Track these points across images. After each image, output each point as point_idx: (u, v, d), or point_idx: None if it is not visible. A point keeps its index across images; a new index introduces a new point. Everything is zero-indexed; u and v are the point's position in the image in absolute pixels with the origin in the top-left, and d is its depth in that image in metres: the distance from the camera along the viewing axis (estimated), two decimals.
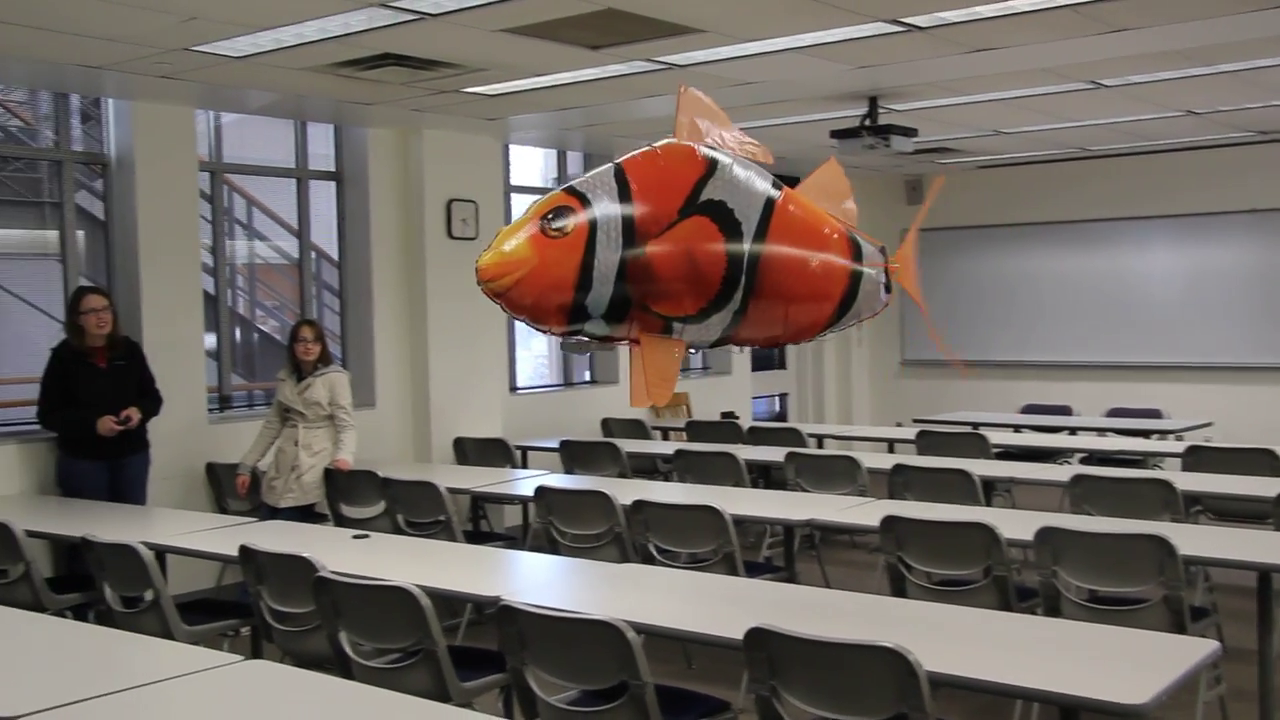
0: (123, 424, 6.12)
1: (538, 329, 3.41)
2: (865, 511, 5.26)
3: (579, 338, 3.42)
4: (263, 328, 9.74)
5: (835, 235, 3.75)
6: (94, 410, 6.09)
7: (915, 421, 9.03)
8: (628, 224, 3.22)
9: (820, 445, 8.50)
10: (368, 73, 6.01)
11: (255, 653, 4.60)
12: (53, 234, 6.95)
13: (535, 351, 10.86)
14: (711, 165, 3.41)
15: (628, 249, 3.22)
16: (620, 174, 3.29)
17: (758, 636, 3.04)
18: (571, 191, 3.25)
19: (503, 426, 8.38)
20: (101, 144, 6.99)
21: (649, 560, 5.15)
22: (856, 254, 3.81)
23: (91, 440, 6.13)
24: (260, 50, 5.49)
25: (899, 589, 4.57)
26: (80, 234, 7.08)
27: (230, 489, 6.74)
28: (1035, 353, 11.31)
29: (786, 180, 3.65)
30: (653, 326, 3.42)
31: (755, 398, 11.45)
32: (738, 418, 10.06)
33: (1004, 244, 11.49)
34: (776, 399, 12.17)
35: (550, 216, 3.17)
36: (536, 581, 4.47)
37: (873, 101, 7.34)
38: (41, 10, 4.78)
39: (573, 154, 9.75)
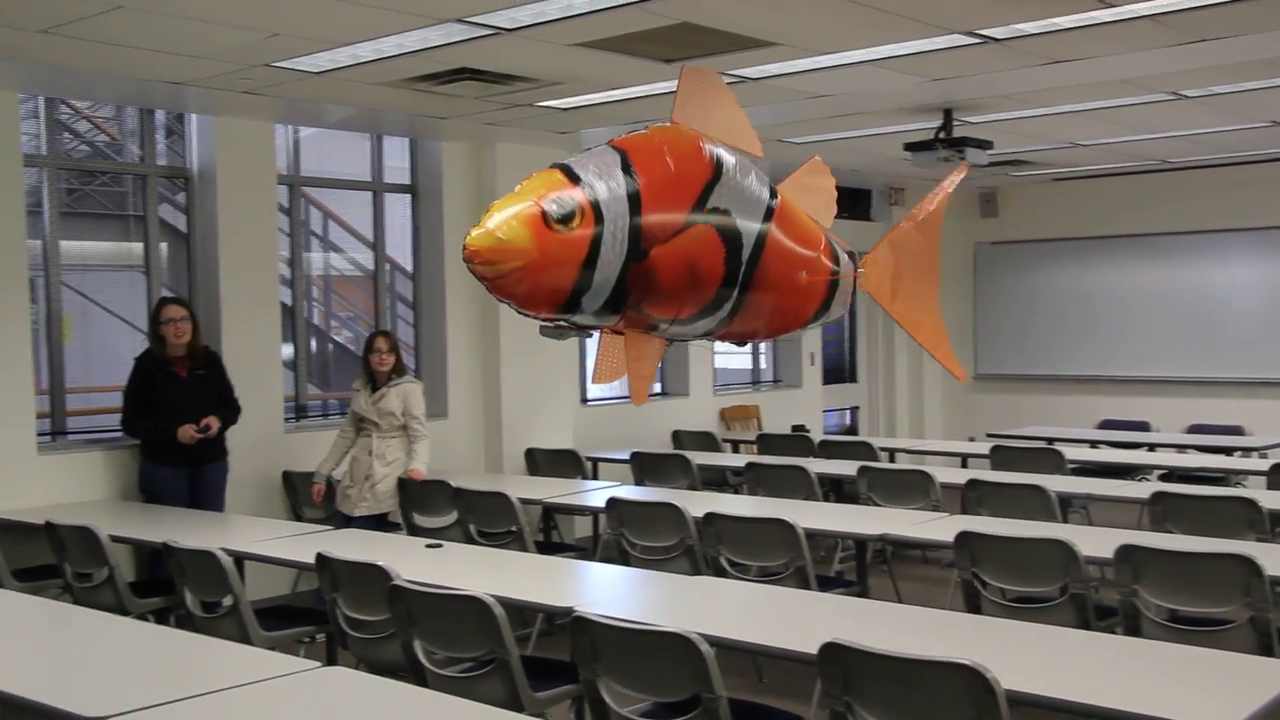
0: (202, 432, 6.24)
1: (520, 313, 3.24)
2: (939, 527, 5.21)
3: (560, 324, 3.32)
4: (337, 338, 9.87)
5: (819, 243, 3.77)
6: (175, 418, 6.21)
7: (989, 436, 8.93)
8: (635, 229, 3.10)
9: (892, 459, 8.42)
10: (443, 87, 6.08)
11: (330, 659, 4.65)
12: (137, 246, 7.10)
13: None
14: (718, 169, 3.37)
15: (633, 254, 3.10)
16: (625, 161, 3.14)
17: (832, 651, 3.02)
18: (564, 168, 3.09)
19: (573, 438, 8.41)
20: (184, 158, 7.14)
21: (720, 573, 5.14)
22: (835, 260, 3.87)
23: (172, 448, 6.25)
24: (339, 65, 5.57)
25: (973, 605, 4.52)
26: (163, 246, 7.24)
27: (306, 497, 6.83)
28: (1112, 368, 11.13)
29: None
30: (640, 325, 3.39)
31: (826, 411, 11.39)
32: (808, 431, 10.02)
33: (1080, 258, 11.32)
34: (847, 412, 12.09)
35: (555, 207, 2.99)
36: (608, 593, 4.48)
37: (947, 114, 7.28)
38: (131, 29, 4.90)
39: None
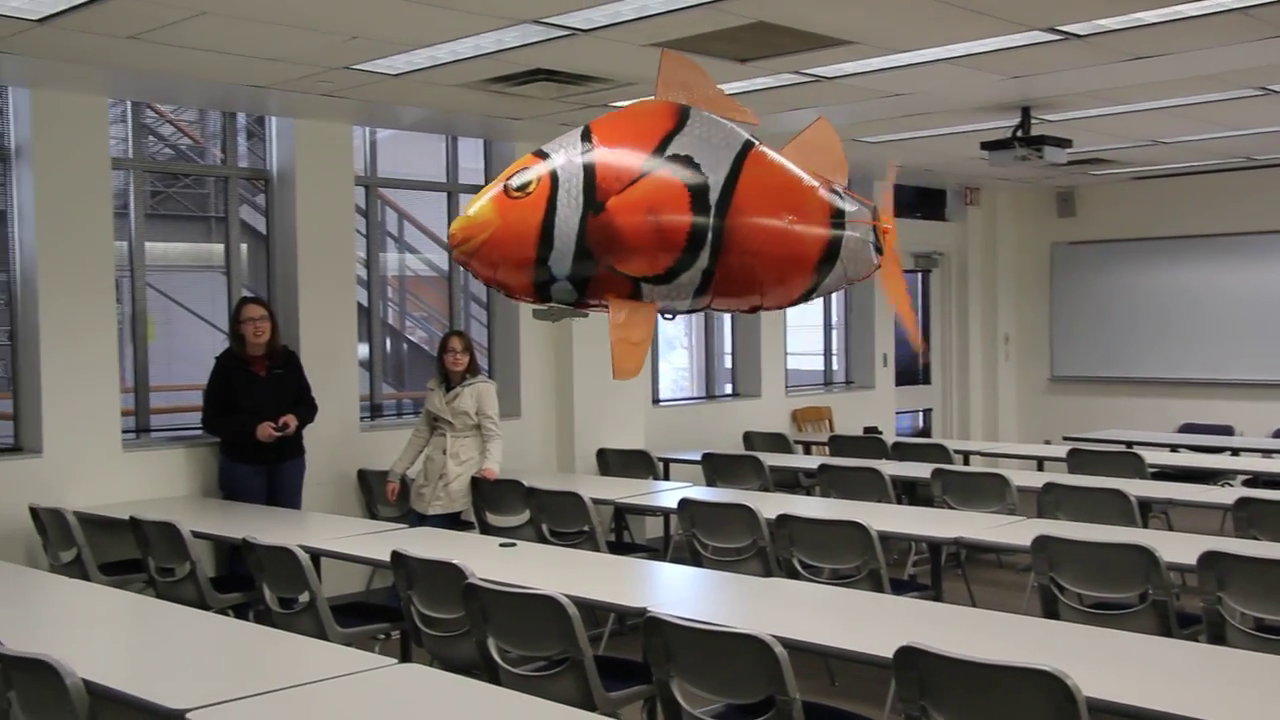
0: (280, 430, 6.34)
1: (511, 296, 3.38)
2: (1015, 530, 5.14)
3: (550, 305, 3.38)
4: (411, 338, 9.98)
5: (811, 193, 3.54)
6: (253, 416, 6.32)
7: (1065, 439, 8.79)
8: (589, 181, 3.15)
9: (966, 462, 8.33)
10: (519, 88, 6.12)
11: (404, 656, 4.70)
12: (218, 247, 7.24)
13: (675, 364, 10.89)
14: (680, 121, 3.30)
15: (589, 206, 3.15)
16: (587, 132, 3.23)
17: (908, 655, 2.99)
18: (538, 152, 3.21)
19: (645, 438, 8.42)
20: (265, 160, 7.26)
21: (793, 575, 5.11)
22: (837, 213, 3.59)
23: (251, 446, 6.35)
24: (416, 68, 5.63)
25: (1050, 610, 4.45)
26: (243, 247, 7.36)
27: (380, 495, 6.91)
28: (1192, 370, 10.90)
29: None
30: (622, 289, 3.32)
31: (898, 413, 11.29)
32: (881, 433, 9.93)
33: (1160, 258, 11.11)
34: (920, 414, 11.98)
35: (515, 180, 3.14)
36: (681, 594, 4.48)
37: (1025, 112, 7.18)
38: (215, 34, 4.99)
39: None
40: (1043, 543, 4.49)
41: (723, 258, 3.30)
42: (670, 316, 3.55)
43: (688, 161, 3.24)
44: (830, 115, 7.17)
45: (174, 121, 8.92)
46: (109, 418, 6.35)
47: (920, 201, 11.49)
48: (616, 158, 3.19)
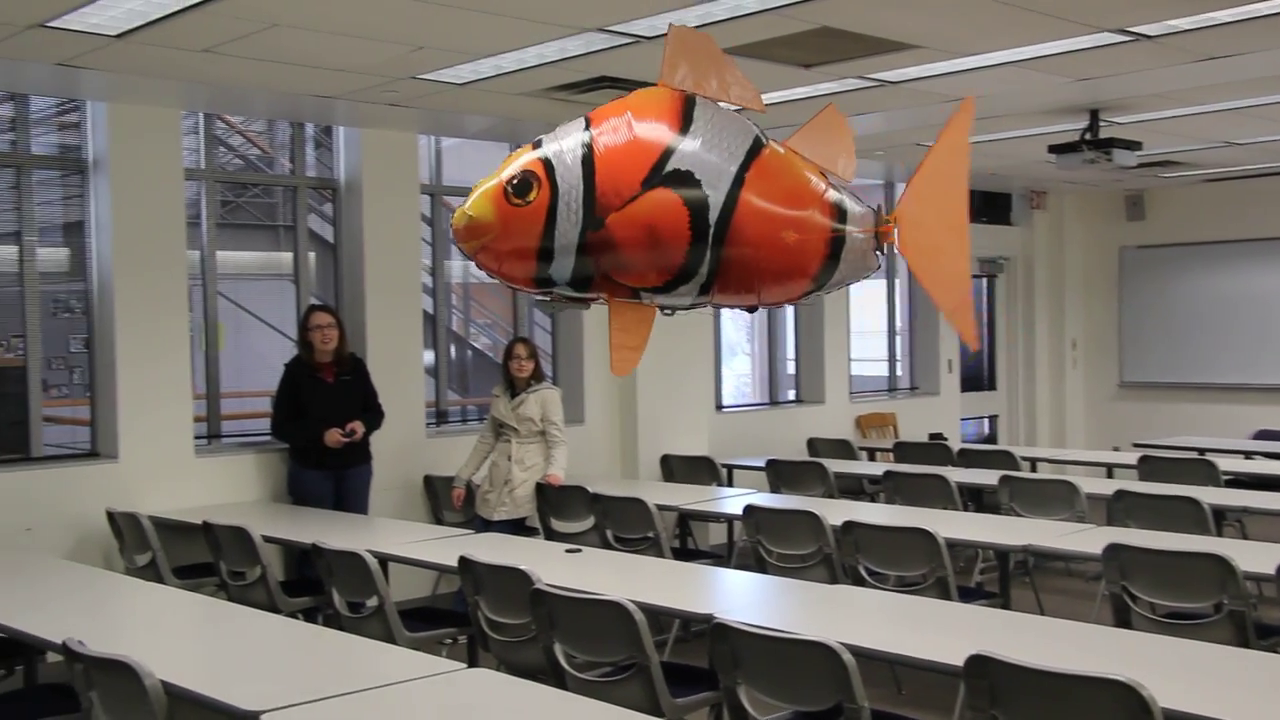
0: (348, 436, 6.41)
1: (511, 288, 3.42)
2: (1086, 538, 5.07)
3: (553, 297, 3.37)
4: (475, 344, 10.05)
5: (816, 198, 3.40)
6: (322, 423, 6.40)
7: (1135, 446, 8.66)
8: (588, 195, 3.10)
9: (1033, 469, 8.23)
10: (582, 96, 6.15)
11: (471, 661, 4.73)
12: (286, 256, 7.33)
13: (737, 370, 10.88)
14: (685, 124, 3.21)
15: (588, 222, 3.12)
16: (588, 137, 3.15)
17: (979, 664, 2.96)
18: (539, 150, 3.15)
19: (708, 444, 8.41)
20: (332, 170, 7.35)
21: (859, 582, 5.09)
22: (840, 217, 3.44)
23: (319, 451, 6.43)
24: (481, 77, 5.68)
25: (1123, 620, 4.38)
26: (311, 255, 7.46)
27: (446, 501, 6.97)
28: (1265, 376, 10.69)
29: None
30: (621, 294, 3.33)
31: (963, 419, 11.18)
32: (946, 439, 9.84)
33: (1232, 261, 10.90)
34: (985, 421, 11.85)
35: (515, 183, 3.10)
36: (747, 600, 4.47)
37: (1094, 114, 7.09)
38: (285, 46, 5.08)
39: None
40: (1115, 551, 4.43)
41: (722, 267, 3.26)
42: (669, 313, 3.50)
43: (689, 178, 3.17)
44: (894, 120, 7.21)
45: (243, 132, 9.06)
46: (182, 424, 6.47)
47: (985, 206, 11.38)
48: (617, 169, 3.14)
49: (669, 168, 3.15)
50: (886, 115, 7.01)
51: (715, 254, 3.22)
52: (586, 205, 3.11)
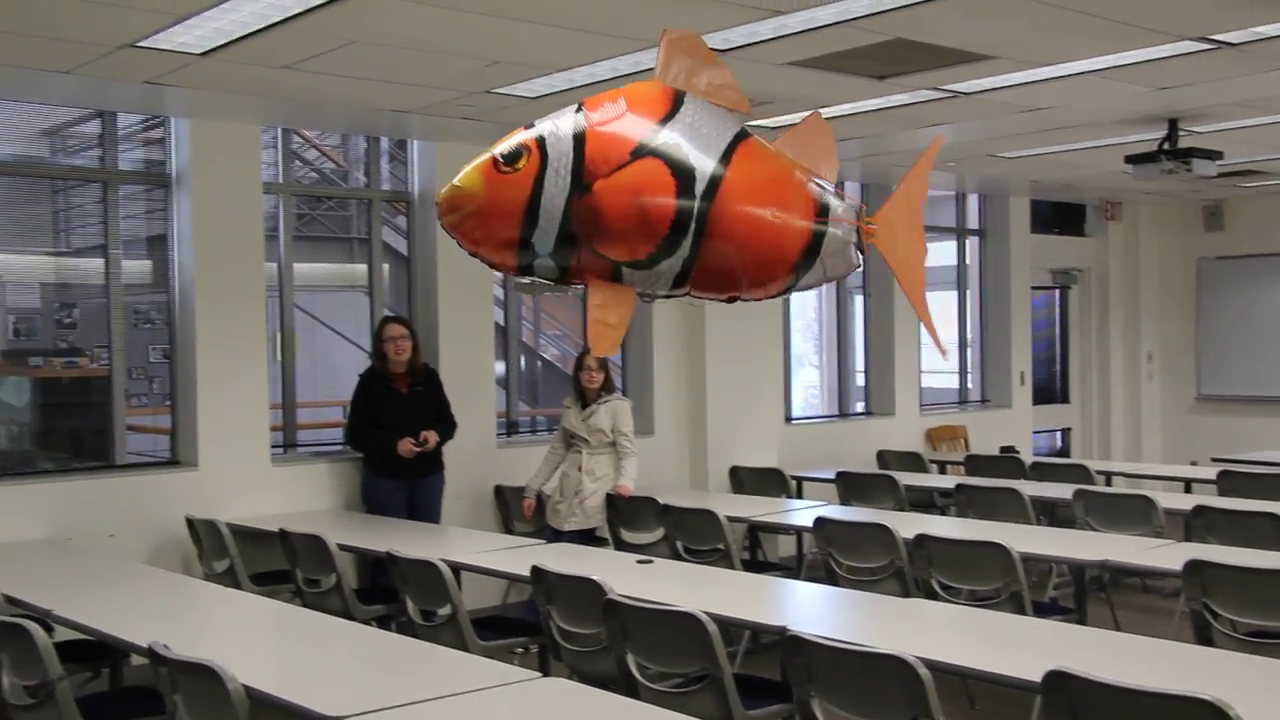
0: (420, 446, 6.48)
1: (493, 267, 3.40)
2: (1165, 554, 4.99)
3: (532, 279, 3.38)
4: (545, 355, 10.12)
5: (799, 187, 3.44)
6: (395, 433, 6.48)
7: (1214, 460, 8.50)
8: (578, 160, 3.13)
9: (1108, 483, 8.10)
10: None
11: (542, 670, 4.76)
12: (361, 268, 7.45)
13: (805, 381, 10.84)
14: (675, 106, 3.25)
15: (576, 187, 3.13)
16: (580, 111, 3.20)
17: (1058, 680, 2.93)
18: (530, 128, 3.19)
19: (778, 456, 8.39)
20: (406, 183, 7.45)
21: (931, 595, 5.05)
22: (822, 210, 3.46)
23: (393, 461, 6.51)
24: (554, 90, 5.73)
25: (1204, 637, 4.31)
26: (385, 267, 7.56)
27: (516, 511, 7.02)
28: None
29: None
30: (602, 271, 3.29)
31: (1035, 432, 11.05)
32: (1018, 452, 9.73)
33: None
34: (1058, 434, 11.70)
35: (505, 153, 3.12)
36: (818, 612, 4.46)
37: (1172, 124, 6.98)
38: (362, 62, 5.16)
39: (849, 184, 9.70)
40: (1196, 567, 4.35)
41: (704, 248, 3.25)
42: (649, 299, 3.51)
43: (678, 149, 3.21)
44: (966, 131, 7.16)
45: (319, 146, 9.22)
46: (259, 433, 6.59)
47: (1058, 217, 11.24)
48: (608, 140, 3.18)
49: (658, 141, 3.20)
50: (958, 127, 6.96)
51: (699, 229, 3.23)
52: (575, 172, 3.14)
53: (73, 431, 6.86)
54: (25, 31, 4.65)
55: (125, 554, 5.92)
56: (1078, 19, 4.71)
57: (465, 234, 3.23)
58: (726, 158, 3.25)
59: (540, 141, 3.15)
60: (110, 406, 6.41)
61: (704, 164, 3.23)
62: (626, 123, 3.22)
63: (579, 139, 3.16)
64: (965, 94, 5.99)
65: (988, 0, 4.56)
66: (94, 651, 4.52)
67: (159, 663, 3.43)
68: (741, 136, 3.36)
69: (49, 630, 3.84)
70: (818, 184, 3.48)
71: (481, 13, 4.54)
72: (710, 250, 3.26)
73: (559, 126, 3.17)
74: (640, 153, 3.18)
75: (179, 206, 6.45)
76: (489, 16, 4.59)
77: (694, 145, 3.23)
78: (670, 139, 3.21)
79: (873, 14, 4.57)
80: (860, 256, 3.57)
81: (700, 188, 3.21)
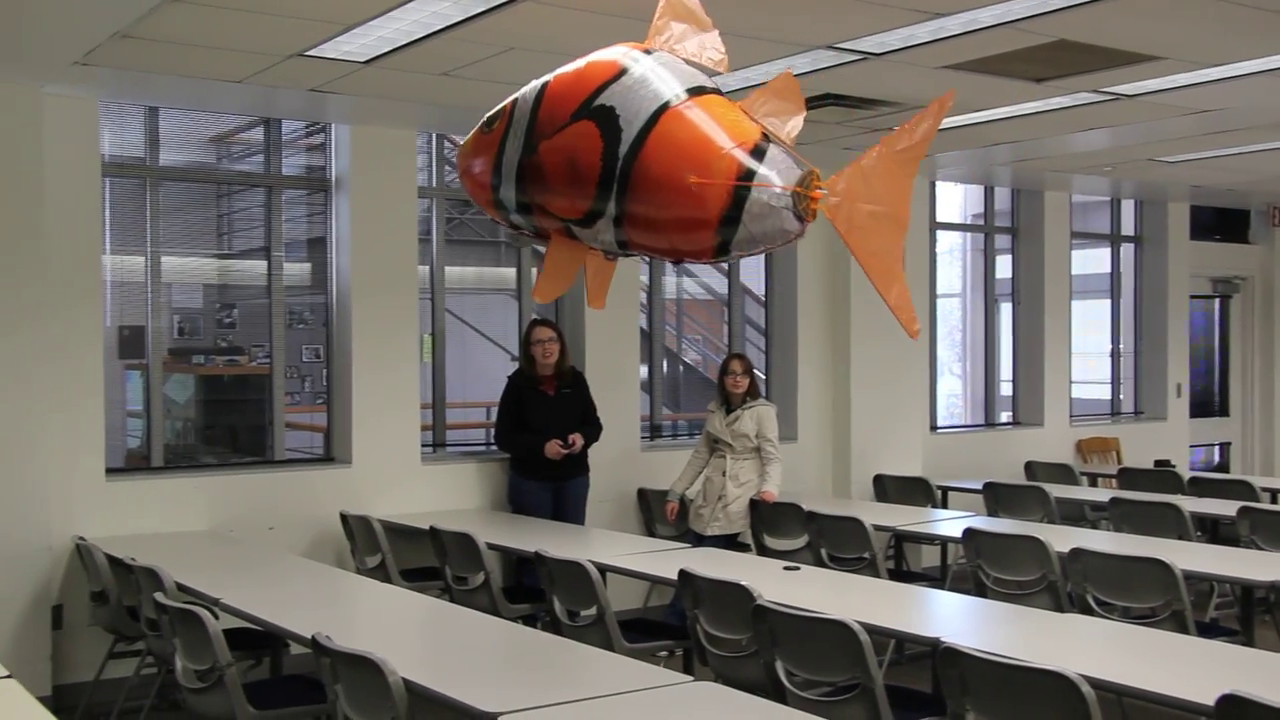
0: (567, 448, 6.55)
1: (493, 220, 3.83)
2: None
3: (518, 230, 3.72)
4: (686, 360, 10.13)
5: (719, 153, 3.25)
6: (542, 435, 6.56)
7: None
8: (531, 123, 3.41)
9: (1274, 500, 7.77)
10: (806, 113, 6.14)
11: (687, 673, 4.76)
12: (509, 271, 7.56)
13: (947, 390, 10.65)
14: (621, 72, 3.33)
15: (526, 148, 3.43)
16: (550, 76, 3.47)
17: (1234, 705, 2.82)
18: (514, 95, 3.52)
19: (922, 465, 8.27)
20: None
21: (1085, 610, 4.91)
22: (747, 175, 3.25)
23: (539, 462, 6.59)
24: None
25: None
26: (534, 271, 7.66)
27: (659, 514, 7.04)
28: None
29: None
30: (556, 227, 3.53)
31: (1193, 446, 10.66)
32: (1174, 466, 9.40)
33: None
34: (1216, 448, 11.27)
35: (488, 115, 3.50)
36: (970, 624, 4.38)
37: None
38: (519, 68, 5.20)
39: (1000, 189, 9.51)
40: None
41: (628, 207, 3.32)
42: (612, 257, 3.61)
43: (610, 113, 3.31)
44: (1127, 135, 6.96)
45: None
46: (410, 433, 6.74)
47: (1220, 223, 10.84)
48: (556, 103, 3.40)
49: (596, 103, 3.34)
50: (1114, 130, 6.77)
51: (622, 188, 3.30)
52: (529, 133, 3.44)
53: (232, 428, 7.12)
54: (204, 44, 4.84)
55: (284, 546, 6.12)
56: (1251, 16, 4.54)
57: (466, 188, 3.78)
58: (654, 120, 3.30)
59: (513, 105, 3.50)
60: (270, 404, 6.63)
61: (632, 125, 3.30)
62: (576, 87, 3.41)
63: (537, 103, 3.45)
64: (1127, 96, 5.81)
65: None
66: (256, 639, 4.68)
67: (321, 653, 3.54)
68: (686, 94, 3.33)
69: (216, 618, 3.99)
70: (762, 145, 3.30)
71: (636, 18, 4.56)
72: (634, 208, 3.34)
73: (527, 92, 3.49)
74: (578, 115, 3.36)
75: (338, 210, 6.65)
76: (643, 21, 4.61)
77: (626, 107, 3.32)
78: (610, 99, 3.33)
79: (1035, 15, 4.47)
80: (800, 223, 3.34)
81: (624, 149, 3.30)
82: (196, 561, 5.29)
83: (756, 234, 3.34)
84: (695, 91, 3.35)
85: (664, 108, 3.30)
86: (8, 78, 5.39)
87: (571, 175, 3.38)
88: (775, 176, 3.29)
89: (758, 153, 3.30)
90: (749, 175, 3.33)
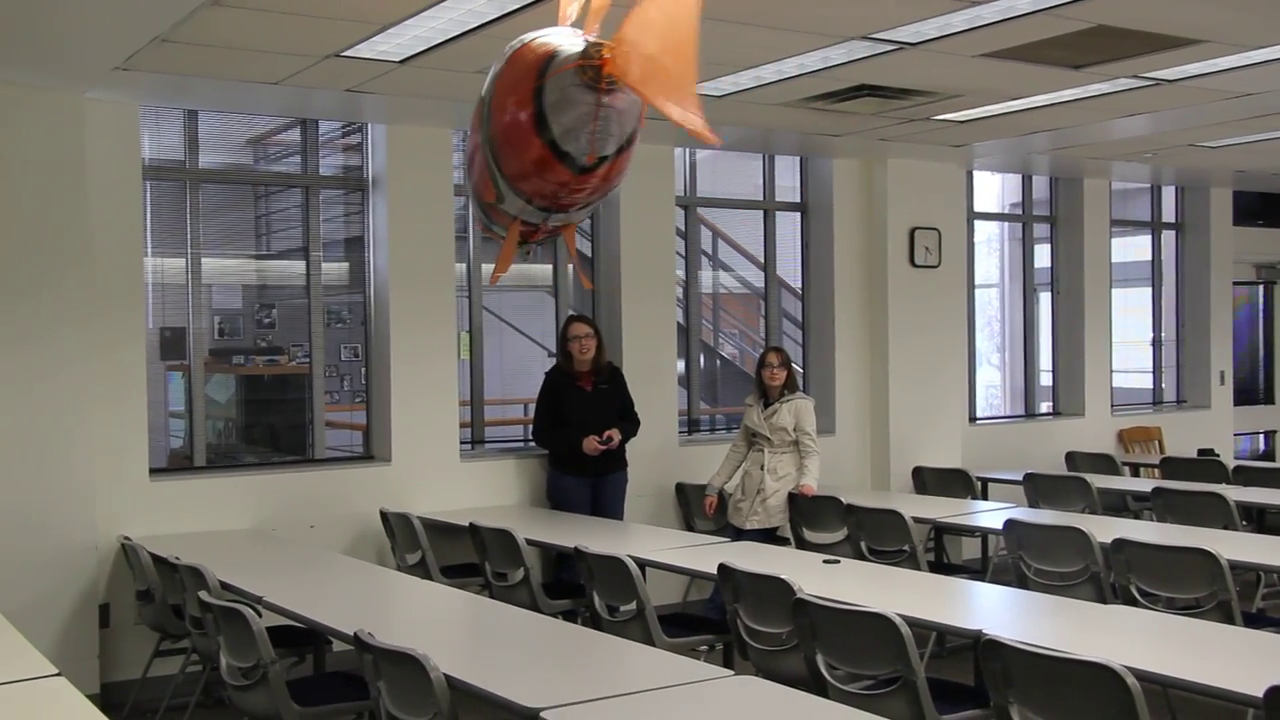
0: (605, 444, 6.55)
1: None
2: None
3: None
4: (722, 354, 10.11)
5: (524, 61, 3.21)
6: (580, 430, 6.57)
7: None
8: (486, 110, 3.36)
9: None
10: (840, 105, 6.12)
11: (728, 667, 4.76)
12: (545, 268, 7.57)
13: (985, 380, 10.57)
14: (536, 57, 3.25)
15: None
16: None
17: None
18: None
19: (961, 456, 8.22)
20: None
21: (1129, 602, 4.87)
22: (542, 71, 3.19)
23: (577, 458, 6.60)
24: (740, 88, 5.73)
25: None
26: (570, 267, 7.66)
27: (698, 508, 7.04)
28: None
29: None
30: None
31: (1237, 435, 10.53)
32: (1217, 455, 9.29)
33: None
34: (1261, 436, 11.13)
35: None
36: (1012, 617, 4.34)
37: None
38: None
39: (1038, 178, 9.43)
40: None
41: (503, 170, 3.33)
42: (530, 228, 3.55)
43: (483, 102, 3.38)
44: (1167, 120, 6.88)
45: None
46: (449, 430, 6.77)
47: (1264, 208, 10.69)
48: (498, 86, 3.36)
49: (481, 96, 3.42)
50: (1155, 116, 6.69)
51: (495, 159, 3.35)
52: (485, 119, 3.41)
53: (273, 427, 7.17)
54: (242, 46, 4.88)
55: (325, 544, 6.17)
56: None
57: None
58: (492, 84, 3.37)
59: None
60: (310, 403, 6.68)
61: (485, 100, 3.38)
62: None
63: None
64: (1168, 81, 5.74)
65: None
66: (298, 637, 4.71)
67: (364, 650, 3.56)
68: (504, 57, 3.35)
69: (259, 616, 4.03)
70: (555, 50, 3.22)
71: None
72: (505, 169, 3.34)
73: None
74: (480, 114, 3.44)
75: (375, 209, 6.68)
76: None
77: (486, 87, 3.39)
78: (485, 92, 3.38)
79: (1073, 1, 4.42)
80: (594, 93, 3.15)
81: (485, 126, 3.36)
82: (239, 560, 5.34)
83: (569, 124, 3.21)
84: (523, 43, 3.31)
85: (504, 59, 3.34)
86: (51, 84, 5.45)
87: (482, 167, 3.44)
88: (560, 60, 3.19)
89: (554, 55, 3.21)
90: (548, 67, 3.24)
